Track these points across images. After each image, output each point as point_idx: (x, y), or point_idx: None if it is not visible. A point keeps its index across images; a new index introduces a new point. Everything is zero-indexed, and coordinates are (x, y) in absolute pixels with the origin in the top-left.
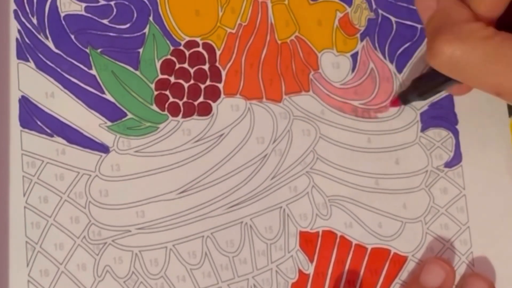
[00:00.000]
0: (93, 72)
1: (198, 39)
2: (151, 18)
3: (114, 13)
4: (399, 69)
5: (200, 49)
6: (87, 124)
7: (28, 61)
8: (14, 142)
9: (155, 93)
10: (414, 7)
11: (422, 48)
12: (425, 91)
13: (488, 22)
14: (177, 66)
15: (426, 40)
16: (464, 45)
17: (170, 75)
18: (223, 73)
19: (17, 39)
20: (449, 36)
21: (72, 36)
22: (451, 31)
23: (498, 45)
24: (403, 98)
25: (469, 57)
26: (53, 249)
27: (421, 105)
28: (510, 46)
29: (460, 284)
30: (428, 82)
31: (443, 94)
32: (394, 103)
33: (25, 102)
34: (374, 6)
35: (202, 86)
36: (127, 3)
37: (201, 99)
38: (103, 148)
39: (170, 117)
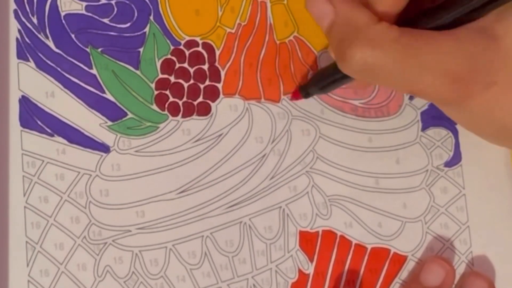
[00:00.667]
0: (94, 71)
1: (198, 39)
2: (151, 18)
3: (115, 12)
4: None
5: (199, 48)
6: (88, 123)
7: (28, 60)
8: (14, 142)
9: (155, 92)
10: None
11: None
12: (325, 85)
13: (389, 19)
14: (177, 65)
15: (330, 47)
16: (374, 51)
17: (170, 75)
18: (222, 73)
19: (17, 38)
20: (357, 42)
21: (73, 36)
22: (358, 37)
23: (407, 45)
24: (303, 91)
25: (381, 62)
26: (53, 249)
27: (422, 104)
28: (418, 45)
29: (460, 283)
30: (328, 77)
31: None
32: (294, 95)
33: (25, 102)
34: None
35: (202, 86)
36: (127, 2)
37: (200, 99)
38: (103, 148)
39: (170, 117)
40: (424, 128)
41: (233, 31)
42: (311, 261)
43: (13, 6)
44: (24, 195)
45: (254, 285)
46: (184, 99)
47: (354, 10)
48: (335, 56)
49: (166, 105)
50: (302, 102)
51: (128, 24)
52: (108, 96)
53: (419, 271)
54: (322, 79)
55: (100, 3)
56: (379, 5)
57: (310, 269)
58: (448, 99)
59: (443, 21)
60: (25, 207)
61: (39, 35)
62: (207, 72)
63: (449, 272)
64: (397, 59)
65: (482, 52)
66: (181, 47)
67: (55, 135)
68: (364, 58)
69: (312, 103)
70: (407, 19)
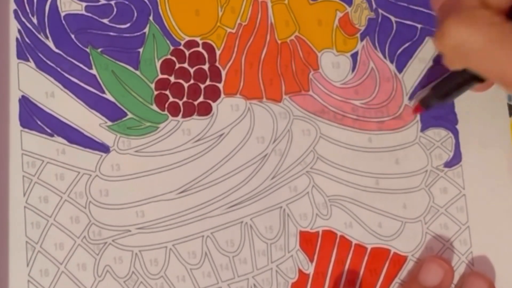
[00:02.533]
0: (93, 71)
1: (198, 39)
2: (151, 18)
3: (115, 12)
4: (399, 69)
5: (200, 49)
6: (87, 123)
7: (28, 60)
8: (14, 142)
9: (155, 93)
10: (414, 7)
11: (422, 47)
12: (445, 94)
13: (499, 12)
14: (177, 66)
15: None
16: (470, 28)
17: (170, 75)
18: (223, 73)
19: (17, 38)
20: (456, 18)
21: (73, 36)
22: (459, 15)
23: (504, 32)
24: (424, 103)
25: (474, 40)
26: (53, 249)
27: None
28: None
29: (460, 283)
30: (447, 85)
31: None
32: (417, 109)
33: (25, 102)
34: (374, 6)
35: (202, 86)
36: (127, 2)
37: (201, 99)
38: (103, 148)
39: (170, 117)
40: (423, 129)
41: (233, 31)
42: (311, 261)
43: (13, 6)
44: (24, 195)
45: (254, 285)
46: (184, 99)
47: None
48: (435, 33)
49: (166, 105)
50: (302, 102)
51: (128, 25)
52: (108, 96)
53: (417, 271)
54: (441, 88)
55: (100, 3)
56: None
57: (310, 269)
58: None
59: None
60: (25, 207)
61: (39, 35)
62: (208, 72)
63: (447, 272)
64: (490, 42)
65: None
66: (181, 47)
67: (55, 135)
68: (458, 32)
69: (312, 103)
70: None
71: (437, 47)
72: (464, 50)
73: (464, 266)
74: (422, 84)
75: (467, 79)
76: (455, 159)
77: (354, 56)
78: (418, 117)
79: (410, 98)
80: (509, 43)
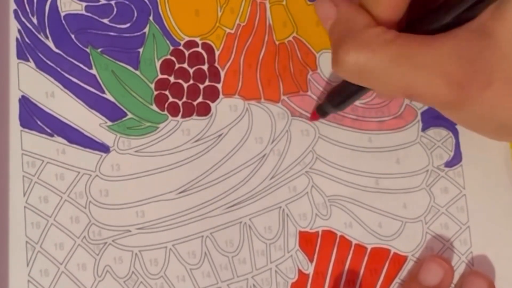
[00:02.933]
0: (93, 71)
1: (197, 39)
2: (151, 18)
3: (115, 12)
4: None
5: (199, 49)
6: (87, 123)
7: (28, 60)
8: (14, 142)
9: (155, 93)
10: None
11: None
12: (339, 102)
13: (389, 26)
14: (177, 66)
15: (331, 49)
16: (366, 52)
17: (170, 75)
18: (222, 73)
19: (17, 38)
20: (350, 44)
21: (73, 36)
22: (353, 39)
23: (401, 47)
24: (320, 111)
25: (372, 62)
26: (53, 249)
27: (421, 105)
28: (413, 46)
29: (460, 282)
30: (341, 93)
31: None
32: (313, 116)
33: (25, 102)
34: None
35: (201, 86)
36: (127, 2)
37: (200, 99)
38: (103, 148)
39: (170, 117)
40: (424, 128)
41: (232, 31)
42: (311, 261)
43: (13, 6)
44: (24, 195)
45: (254, 285)
46: (184, 99)
47: (355, 13)
48: (331, 58)
49: (166, 105)
50: (301, 103)
51: (128, 25)
52: (108, 96)
53: (417, 270)
54: (335, 96)
55: (100, 3)
56: (379, 11)
57: (310, 269)
58: (446, 101)
59: (440, 23)
60: (25, 207)
61: (39, 35)
62: (207, 73)
63: (447, 271)
64: (391, 60)
65: (479, 52)
66: (181, 47)
67: (55, 135)
68: (355, 57)
69: (311, 104)
70: (407, 26)
71: (336, 73)
72: (363, 73)
73: (464, 266)
74: None
75: (360, 87)
76: (456, 159)
77: None
78: (419, 116)
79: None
80: (406, 58)
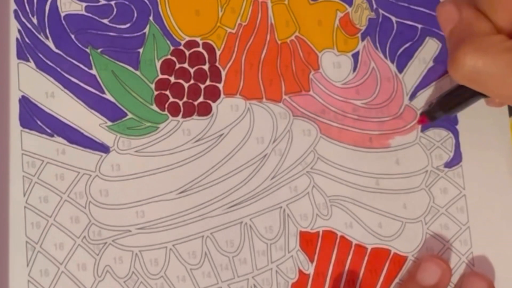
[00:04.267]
0: (93, 72)
1: (198, 39)
2: (151, 18)
3: (115, 13)
4: (400, 69)
5: (200, 49)
6: (87, 124)
7: (28, 61)
8: (14, 142)
9: (155, 93)
10: (415, 7)
11: (423, 48)
12: (451, 107)
13: (510, 35)
14: (177, 66)
15: (448, 52)
16: (485, 56)
17: (170, 75)
18: (223, 73)
19: (17, 39)
20: (471, 47)
21: (72, 36)
22: (473, 43)
23: None
24: (430, 115)
25: (490, 68)
26: (53, 249)
27: (421, 105)
28: None
29: (459, 283)
30: (454, 99)
31: None
32: (421, 121)
33: (25, 102)
34: (374, 6)
35: (202, 86)
36: (127, 2)
37: (201, 99)
38: (103, 148)
39: (170, 117)
40: (424, 129)
41: (233, 31)
42: (312, 261)
43: (13, 6)
44: (24, 195)
45: (254, 285)
46: (185, 99)
47: (477, 20)
48: (448, 60)
49: (166, 105)
50: (302, 102)
51: (128, 25)
52: (108, 96)
53: (415, 270)
54: (447, 101)
55: (100, 3)
56: (500, 20)
57: (310, 269)
58: None
59: None
60: (25, 207)
61: (39, 35)
62: (208, 72)
63: (445, 271)
64: (506, 68)
65: None
66: (181, 47)
67: (55, 135)
68: (474, 61)
69: (313, 103)
70: None
71: (451, 75)
72: (479, 77)
73: (465, 266)
74: (422, 85)
75: (475, 93)
76: (455, 159)
77: (355, 56)
78: (418, 117)
79: (411, 98)
80: None
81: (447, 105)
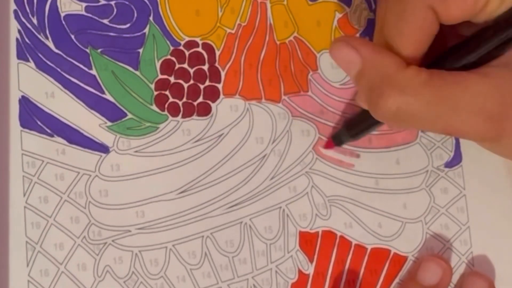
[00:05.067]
0: (93, 72)
1: (197, 39)
2: (151, 18)
3: (115, 13)
4: None
5: (199, 49)
6: (87, 124)
7: (28, 61)
8: (14, 142)
9: (155, 93)
10: None
11: None
12: (357, 133)
13: (416, 62)
14: (177, 66)
15: (361, 95)
16: (406, 97)
17: (170, 75)
18: (223, 74)
19: (17, 39)
20: (388, 90)
21: (72, 36)
22: (389, 85)
23: (437, 88)
24: (336, 139)
25: (414, 107)
26: (53, 249)
27: None
28: (448, 86)
29: (459, 283)
30: (360, 124)
31: None
32: (328, 145)
33: (25, 102)
34: (373, 7)
35: (202, 87)
36: (127, 3)
37: (200, 99)
38: (103, 148)
39: (170, 117)
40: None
41: (233, 31)
42: (311, 261)
43: (13, 6)
44: (24, 195)
45: (254, 285)
46: (184, 99)
47: (381, 57)
48: (367, 105)
49: (166, 106)
50: (301, 103)
51: (128, 25)
52: (108, 96)
53: (416, 270)
54: (353, 127)
55: (100, 3)
56: (403, 50)
57: (310, 269)
58: (484, 136)
59: (469, 60)
60: (25, 207)
61: (39, 36)
62: (207, 73)
63: (446, 271)
64: (430, 102)
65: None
66: (181, 47)
67: (55, 135)
68: (397, 105)
69: (311, 104)
70: (433, 60)
71: (377, 119)
72: (406, 117)
73: (465, 266)
74: None
75: None
76: (456, 159)
77: None
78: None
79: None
80: (443, 100)
81: (353, 130)
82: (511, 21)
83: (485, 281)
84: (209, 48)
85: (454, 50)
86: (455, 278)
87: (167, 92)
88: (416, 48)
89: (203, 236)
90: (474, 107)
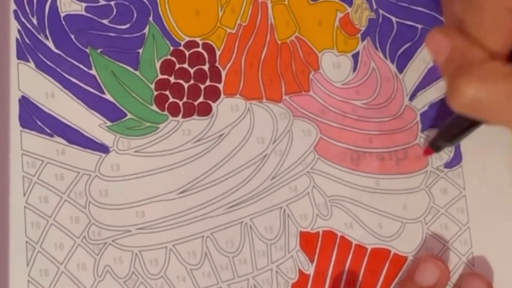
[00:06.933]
0: (93, 72)
1: (198, 39)
2: (151, 19)
3: (114, 13)
4: (400, 69)
5: (200, 49)
6: (87, 124)
7: (28, 61)
8: (14, 142)
9: (155, 93)
10: (415, 7)
11: (423, 48)
12: (453, 137)
13: (503, 58)
14: (177, 66)
15: (444, 81)
16: (485, 85)
17: (170, 75)
18: (223, 73)
19: (17, 39)
20: (470, 77)
21: (72, 36)
22: (471, 72)
23: None
24: (434, 146)
25: (491, 96)
26: (53, 249)
27: (421, 105)
28: None
29: (458, 283)
30: (455, 129)
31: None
32: (426, 152)
33: (25, 102)
34: (374, 6)
35: (202, 86)
36: (127, 3)
37: (201, 99)
38: (103, 148)
39: (170, 117)
40: (423, 129)
41: (233, 31)
42: (312, 261)
43: (13, 6)
44: (24, 195)
45: (254, 285)
46: (184, 99)
47: (470, 47)
48: (446, 90)
49: (166, 106)
50: (302, 102)
51: (128, 25)
52: (108, 96)
53: (414, 271)
54: (449, 132)
55: (100, 4)
56: (491, 45)
57: (310, 269)
58: None
59: None
60: (25, 207)
61: (39, 36)
62: (208, 73)
63: (443, 272)
64: (507, 95)
65: None
66: (181, 47)
67: (55, 136)
68: (475, 92)
69: (313, 104)
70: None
71: (451, 105)
72: (480, 106)
73: (465, 266)
74: (422, 85)
75: (474, 122)
76: (455, 160)
77: (355, 56)
78: (418, 117)
79: (411, 98)
80: None
81: (449, 135)
82: None
83: (483, 282)
84: (209, 48)
85: None
86: (455, 278)
87: (167, 92)
88: (501, 43)
89: (203, 236)
90: None
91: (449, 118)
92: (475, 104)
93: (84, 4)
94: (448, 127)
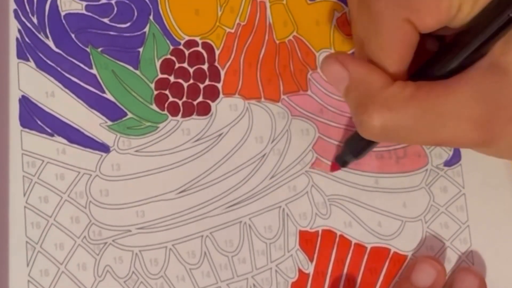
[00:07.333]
0: (94, 71)
1: (197, 39)
2: (151, 17)
3: (115, 12)
4: None
5: (199, 48)
6: (88, 123)
7: (28, 60)
8: (14, 142)
9: (155, 92)
10: None
11: None
12: (359, 152)
13: (402, 76)
14: (177, 65)
15: (351, 112)
16: (390, 114)
17: (170, 75)
18: (222, 73)
19: (17, 38)
20: (372, 108)
21: (73, 35)
22: (373, 102)
23: (422, 101)
24: (340, 160)
25: (398, 123)
26: (53, 249)
27: None
28: (433, 97)
29: (450, 279)
30: (360, 142)
31: None
32: (333, 167)
33: (25, 101)
34: None
35: (201, 86)
36: (127, 2)
37: (200, 98)
38: (103, 148)
39: (170, 117)
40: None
41: (232, 31)
42: (311, 260)
43: (13, 6)
44: (24, 195)
45: (254, 284)
46: (184, 99)
47: (368, 74)
48: (354, 121)
49: (166, 105)
50: (301, 102)
51: (128, 24)
52: (108, 96)
53: (410, 271)
54: (355, 146)
55: (100, 2)
56: (388, 65)
57: (310, 268)
58: (475, 143)
59: (452, 66)
60: (25, 207)
61: (39, 35)
62: (207, 72)
63: (440, 272)
64: (415, 116)
65: (497, 89)
66: (181, 47)
67: (55, 135)
68: (382, 121)
69: (311, 103)
70: (419, 68)
71: (363, 137)
72: (393, 133)
73: (464, 265)
74: None
75: None
76: (455, 158)
77: None
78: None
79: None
80: (429, 112)
81: (355, 149)
82: (484, 23)
83: (476, 277)
84: (208, 48)
85: (438, 56)
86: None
87: (167, 92)
88: (400, 61)
89: (202, 236)
90: (461, 115)
91: (353, 132)
92: (385, 132)
93: (84, 3)
94: (354, 142)
